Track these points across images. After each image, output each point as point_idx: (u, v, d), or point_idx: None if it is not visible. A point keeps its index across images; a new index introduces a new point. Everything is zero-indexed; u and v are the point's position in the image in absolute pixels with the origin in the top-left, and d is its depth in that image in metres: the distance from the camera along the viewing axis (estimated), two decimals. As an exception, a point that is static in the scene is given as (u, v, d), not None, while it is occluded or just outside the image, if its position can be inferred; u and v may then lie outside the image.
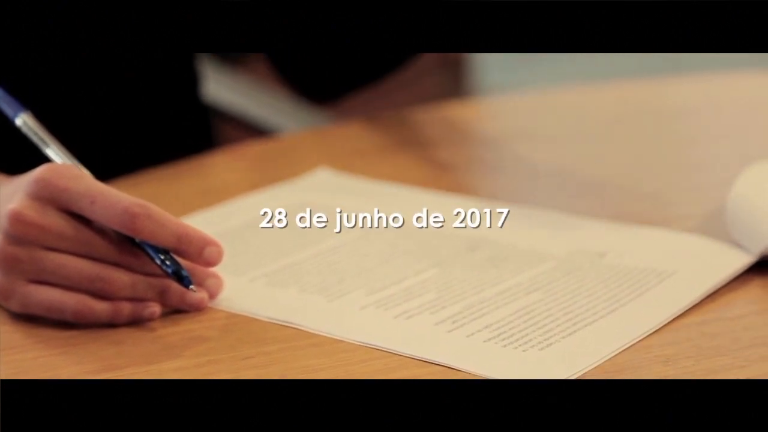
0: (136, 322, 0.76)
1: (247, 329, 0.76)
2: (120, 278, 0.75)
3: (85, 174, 0.77)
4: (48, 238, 0.74)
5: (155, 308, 0.76)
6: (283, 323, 0.76)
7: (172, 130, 1.11)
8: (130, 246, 0.75)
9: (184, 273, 0.74)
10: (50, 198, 0.74)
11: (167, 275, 0.75)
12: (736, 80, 1.26)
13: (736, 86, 1.24)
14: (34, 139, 0.81)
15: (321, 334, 0.75)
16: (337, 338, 0.74)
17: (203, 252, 0.75)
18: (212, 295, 0.78)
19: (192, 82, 1.14)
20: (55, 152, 0.80)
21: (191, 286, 0.75)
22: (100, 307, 0.75)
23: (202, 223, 0.91)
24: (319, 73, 1.09)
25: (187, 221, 0.90)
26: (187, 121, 1.13)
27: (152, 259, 0.75)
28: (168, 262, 0.74)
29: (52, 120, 1.02)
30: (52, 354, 0.74)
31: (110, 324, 0.75)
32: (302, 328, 0.76)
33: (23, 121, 0.82)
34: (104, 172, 1.00)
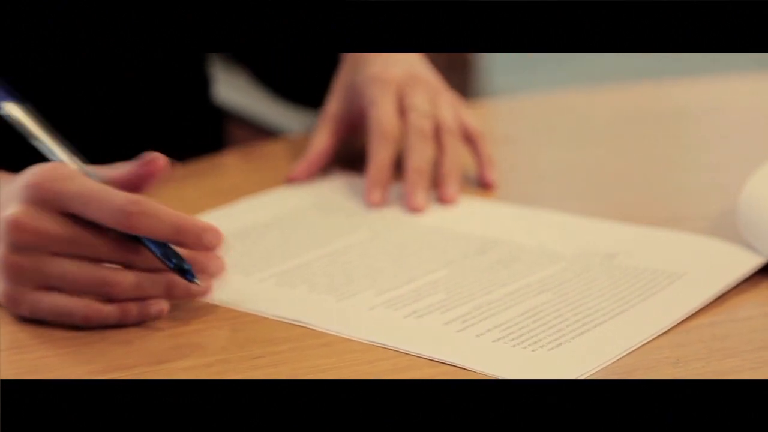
0: (145, 320, 0.75)
1: (257, 329, 0.75)
2: (125, 280, 0.74)
3: (76, 172, 0.75)
4: (49, 243, 0.73)
5: (163, 305, 0.75)
6: (293, 322, 0.76)
7: (184, 132, 1.11)
8: (131, 242, 0.74)
9: (187, 267, 0.74)
10: (45, 202, 0.73)
11: (170, 270, 0.74)
12: (746, 82, 1.25)
13: (747, 88, 1.23)
14: (21, 129, 0.79)
15: (330, 333, 0.74)
16: (347, 338, 0.74)
17: (202, 239, 0.74)
18: (216, 275, 0.76)
19: (204, 84, 1.13)
20: (43, 145, 0.78)
21: (194, 280, 0.74)
22: (108, 310, 0.74)
23: (216, 220, 0.90)
24: (305, 76, 1.09)
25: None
26: (198, 123, 1.13)
27: (154, 254, 0.74)
28: (170, 256, 0.74)
29: (64, 121, 1.02)
30: (60, 353, 0.73)
31: (119, 324, 0.75)
32: (311, 328, 0.75)
33: (8, 110, 0.80)
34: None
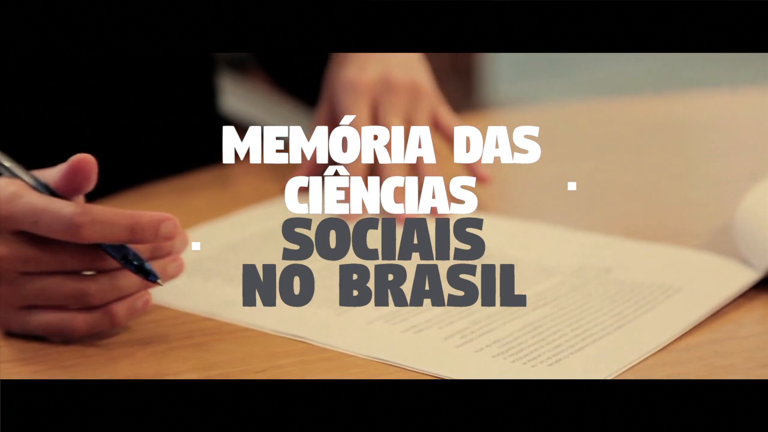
0: (135, 317, 0.73)
1: (259, 343, 0.74)
2: (100, 287, 0.72)
3: (22, 188, 0.72)
4: (14, 265, 0.71)
5: (146, 297, 0.73)
6: (292, 337, 0.74)
7: (190, 142, 1.09)
8: (93, 249, 0.72)
9: (148, 267, 0.72)
10: None
11: (132, 272, 0.72)
12: (747, 96, 1.23)
13: (748, 102, 1.22)
14: None
15: (329, 348, 0.72)
16: (348, 353, 0.72)
17: (159, 232, 0.72)
18: (182, 250, 0.75)
19: (210, 94, 1.12)
20: None
21: (158, 280, 0.72)
22: (94, 317, 0.72)
23: (214, 233, 0.89)
24: (313, 77, 1.07)
25: (198, 231, 0.88)
26: (204, 133, 1.11)
27: (114, 258, 0.72)
28: (130, 259, 0.72)
29: (70, 130, 1.00)
30: (65, 366, 0.71)
31: (112, 328, 0.73)
32: (310, 342, 0.73)
33: None
34: (123, 183, 0.99)
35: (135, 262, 0.72)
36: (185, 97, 1.08)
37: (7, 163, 0.73)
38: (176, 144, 1.08)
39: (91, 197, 0.74)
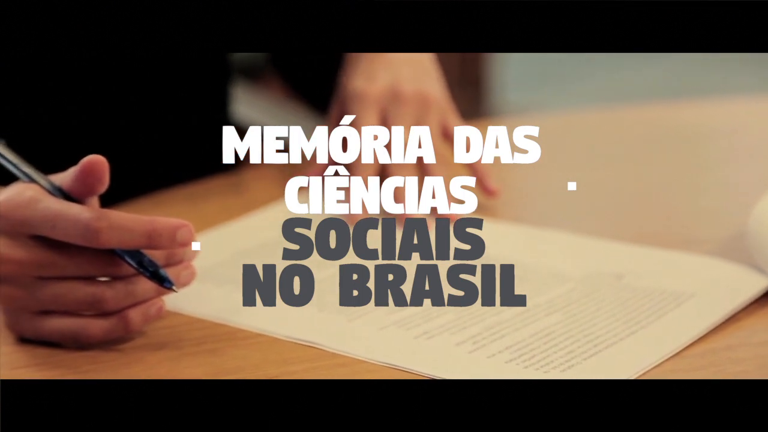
0: (149, 323, 0.73)
1: (272, 349, 0.73)
2: (116, 293, 0.71)
3: (40, 193, 0.71)
4: (30, 270, 0.71)
5: (160, 303, 0.72)
6: (304, 343, 0.73)
7: (203, 149, 1.08)
8: (108, 255, 0.71)
9: (163, 274, 0.71)
10: (15, 231, 0.70)
11: (147, 278, 0.71)
12: (759, 104, 1.22)
13: (759, 110, 1.21)
14: None
15: (342, 353, 0.71)
16: (360, 359, 0.71)
17: (176, 238, 0.71)
18: (193, 258, 0.74)
19: (223, 102, 1.11)
20: (3, 159, 0.73)
21: (172, 287, 0.71)
22: (110, 323, 0.72)
23: (225, 238, 0.88)
24: (328, 83, 1.06)
25: (209, 236, 0.87)
26: (217, 140, 1.10)
27: (129, 264, 0.71)
28: (145, 265, 0.71)
29: (83, 138, 1.00)
30: (79, 371, 0.70)
31: (126, 334, 0.72)
32: (323, 348, 0.72)
33: None
34: (136, 190, 0.98)
35: (150, 269, 0.71)
36: (199, 104, 1.07)
37: (25, 168, 0.73)
38: (189, 151, 1.07)
39: (104, 204, 0.74)
